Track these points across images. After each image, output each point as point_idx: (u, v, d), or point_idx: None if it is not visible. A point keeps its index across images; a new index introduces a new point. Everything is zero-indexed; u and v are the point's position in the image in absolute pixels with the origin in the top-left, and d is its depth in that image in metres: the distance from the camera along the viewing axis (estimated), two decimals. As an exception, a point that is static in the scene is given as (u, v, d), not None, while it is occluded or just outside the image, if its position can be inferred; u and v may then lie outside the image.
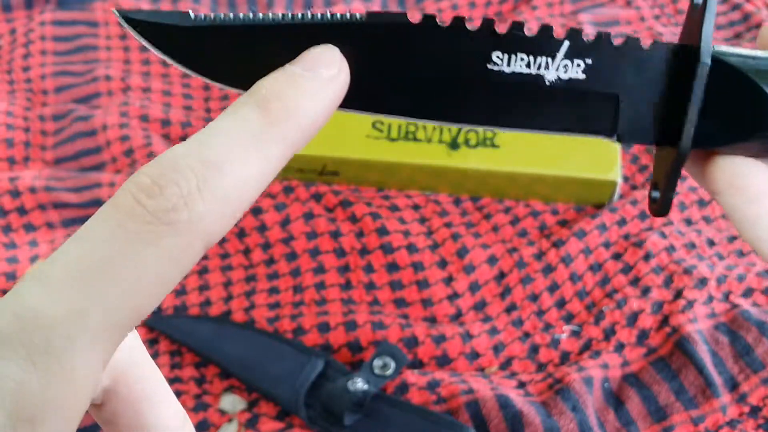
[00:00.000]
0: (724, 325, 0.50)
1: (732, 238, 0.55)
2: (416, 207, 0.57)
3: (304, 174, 0.57)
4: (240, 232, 0.55)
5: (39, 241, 0.55)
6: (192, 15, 0.23)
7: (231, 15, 0.23)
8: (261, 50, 0.22)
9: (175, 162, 0.18)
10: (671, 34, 0.70)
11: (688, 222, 0.56)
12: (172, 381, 0.48)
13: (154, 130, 0.61)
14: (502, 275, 0.53)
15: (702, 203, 0.56)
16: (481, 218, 0.56)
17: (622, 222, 0.55)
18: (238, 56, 0.23)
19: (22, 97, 0.64)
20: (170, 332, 0.50)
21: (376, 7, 0.72)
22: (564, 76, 0.23)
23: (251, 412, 0.47)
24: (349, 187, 0.58)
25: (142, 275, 0.17)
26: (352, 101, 0.22)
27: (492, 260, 0.54)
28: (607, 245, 0.54)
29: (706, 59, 0.22)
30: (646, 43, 0.23)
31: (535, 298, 0.52)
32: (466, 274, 0.53)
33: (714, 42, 0.23)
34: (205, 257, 0.55)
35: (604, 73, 0.23)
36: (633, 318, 0.50)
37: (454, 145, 0.55)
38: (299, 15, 0.22)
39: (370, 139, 0.56)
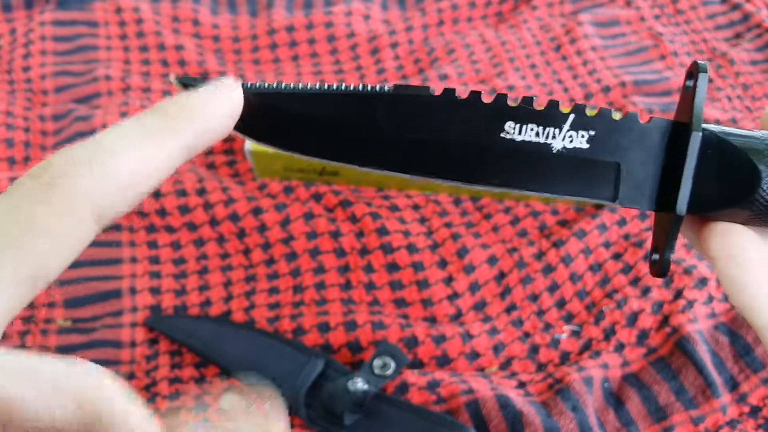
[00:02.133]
0: (724, 325, 0.50)
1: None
2: (416, 207, 0.57)
3: (304, 174, 0.57)
4: (240, 232, 0.55)
5: (39, 241, 0.55)
6: (242, 83, 0.25)
7: (274, 84, 0.26)
8: (298, 114, 0.25)
9: (73, 147, 0.21)
10: (671, 34, 0.70)
11: (688, 222, 0.56)
12: (172, 381, 0.49)
13: (154, 130, 0.61)
14: (502, 275, 0.53)
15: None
16: (481, 218, 0.56)
17: (622, 222, 0.55)
18: (278, 119, 0.26)
19: (22, 97, 0.64)
20: (170, 332, 0.50)
21: (376, 8, 0.72)
22: (569, 146, 0.25)
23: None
24: (349, 187, 0.58)
25: (39, 232, 0.20)
26: (379, 162, 0.25)
27: (492, 260, 0.54)
28: (607, 245, 0.54)
29: (698, 131, 0.24)
30: (644, 118, 0.25)
31: (535, 298, 0.52)
32: (466, 274, 0.53)
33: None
34: (205, 257, 0.55)
35: (606, 143, 0.25)
36: (633, 318, 0.50)
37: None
38: (335, 86, 0.25)
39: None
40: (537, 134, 0.25)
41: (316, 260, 0.54)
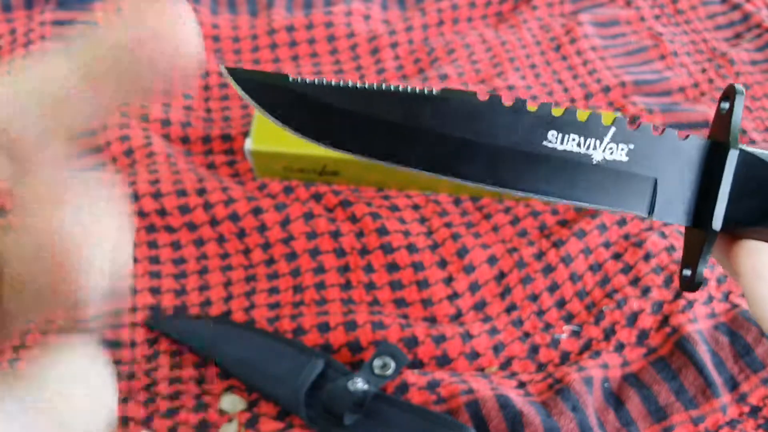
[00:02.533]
0: (724, 325, 0.50)
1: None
2: (416, 207, 0.57)
3: (304, 174, 0.57)
4: (240, 232, 0.55)
5: (39, 241, 0.55)
6: (290, 78, 0.26)
7: (324, 80, 0.26)
8: (346, 111, 0.26)
9: None
10: (671, 34, 0.70)
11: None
12: (172, 381, 0.49)
13: (154, 130, 0.61)
14: (502, 275, 0.53)
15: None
16: (481, 218, 0.56)
17: (622, 222, 0.55)
18: (327, 115, 0.26)
19: (22, 97, 0.64)
20: (170, 332, 0.50)
21: (376, 8, 0.72)
22: (609, 158, 0.26)
23: (251, 412, 0.47)
24: (349, 187, 0.58)
25: None
26: (424, 163, 0.26)
27: (492, 260, 0.54)
28: (607, 245, 0.54)
29: (735, 149, 0.25)
30: (681, 135, 0.26)
31: (535, 298, 0.52)
32: (466, 274, 0.53)
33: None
34: (205, 257, 0.55)
35: (644, 158, 0.26)
36: (633, 318, 0.50)
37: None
38: (384, 86, 0.26)
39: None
40: (578, 144, 0.26)
41: (316, 260, 0.54)
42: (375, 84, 0.26)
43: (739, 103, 0.26)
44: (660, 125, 0.26)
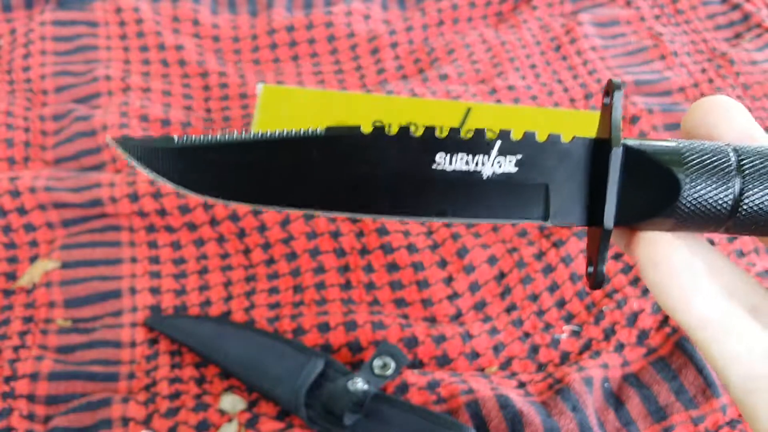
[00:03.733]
0: (724, 325, 0.50)
1: (732, 238, 0.55)
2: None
3: (304, 174, 0.57)
4: (240, 232, 0.55)
5: (39, 241, 0.55)
6: (176, 138, 0.26)
7: (208, 136, 0.26)
8: (237, 164, 0.26)
9: None
10: (671, 34, 0.70)
11: (688, 222, 0.56)
12: (172, 381, 0.49)
13: (154, 130, 0.61)
14: (502, 275, 0.53)
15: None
16: (481, 218, 0.56)
17: (622, 222, 0.55)
18: (216, 171, 0.26)
19: (22, 97, 0.64)
20: (170, 332, 0.50)
21: (376, 7, 0.72)
22: (499, 171, 0.26)
23: (251, 412, 0.47)
24: (349, 187, 0.58)
25: None
26: (314, 203, 0.26)
27: (492, 260, 0.54)
28: (607, 245, 0.54)
29: (617, 146, 0.25)
30: (566, 138, 0.26)
31: (535, 298, 0.52)
32: (466, 274, 0.53)
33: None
34: (205, 257, 0.55)
35: (533, 166, 0.26)
36: (633, 318, 0.50)
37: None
38: (266, 133, 0.26)
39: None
40: (467, 162, 0.26)
41: (316, 260, 0.54)
42: (259, 132, 0.26)
43: (618, 99, 0.26)
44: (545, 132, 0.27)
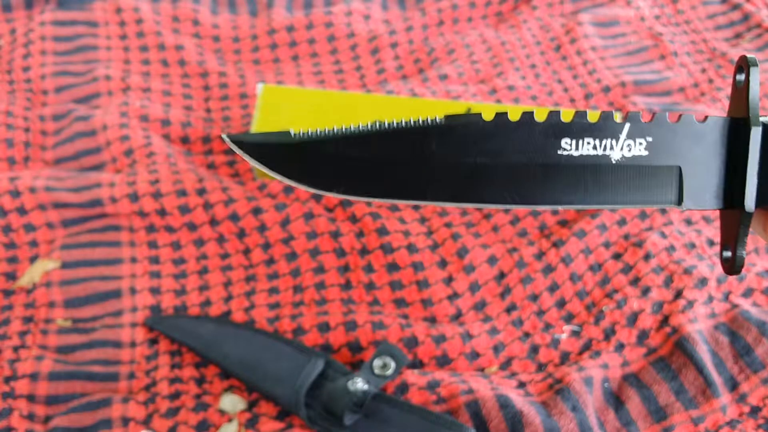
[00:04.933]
0: (724, 325, 0.50)
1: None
2: (416, 207, 0.57)
3: (304, 174, 0.57)
4: (240, 232, 0.55)
5: (39, 241, 0.55)
6: (292, 132, 0.26)
7: (326, 130, 0.26)
8: (355, 157, 0.26)
9: None
10: (671, 34, 0.70)
11: (688, 222, 0.56)
12: (172, 381, 0.48)
13: (154, 130, 0.61)
14: (502, 275, 0.53)
15: (702, 203, 0.56)
16: (481, 218, 0.56)
17: (622, 222, 0.55)
18: (334, 165, 0.26)
19: (22, 97, 0.64)
20: (170, 332, 0.50)
21: (376, 8, 0.72)
22: (628, 155, 0.26)
23: (251, 412, 0.47)
24: (349, 187, 0.58)
25: None
26: (435, 194, 0.26)
27: (492, 260, 0.54)
28: (607, 245, 0.54)
29: (757, 125, 0.25)
30: (700, 117, 0.26)
31: (535, 298, 0.52)
32: (466, 274, 0.53)
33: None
34: (205, 257, 0.55)
35: (664, 148, 0.26)
36: (633, 318, 0.50)
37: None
38: (386, 124, 0.25)
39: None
40: (594, 147, 0.26)
41: (316, 260, 0.54)
42: (377, 124, 0.25)
43: (755, 75, 0.25)
44: (676, 112, 0.26)
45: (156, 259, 0.55)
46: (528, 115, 0.25)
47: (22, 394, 0.47)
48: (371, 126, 0.25)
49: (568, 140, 0.26)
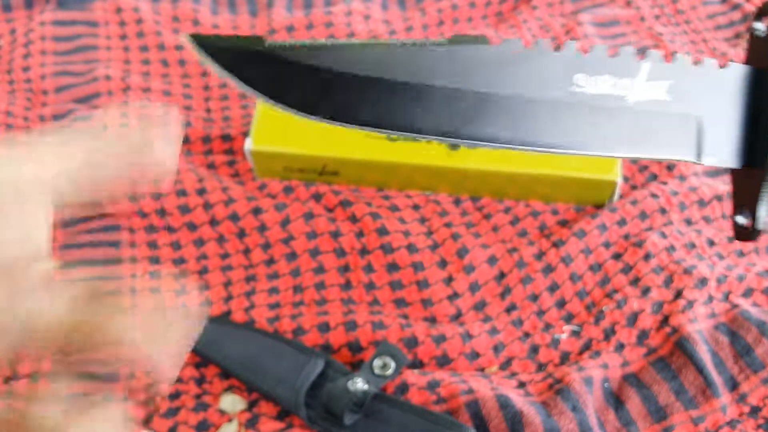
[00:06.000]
0: (724, 325, 0.50)
1: (731, 238, 0.55)
2: (416, 207, 0.57)
3: (304, 174, 0.57)
4: (240, 232, 0.55)
5: (39, 241, 0.55)
6: (266, 41, 0.22)
7: (309, 40, 0.22)
8: (344, 75, 0.22)
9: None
10: (671, 34, 0.70)
11: (688, 222, 0.56)
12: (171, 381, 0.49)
13: (154, 130, 0.61)
14: (502, 275, 0.53)
15: (702, 203, 0.56)
16: (481, 218, 0.56)
17: (622, 222, 0.55)
18: (318, 83, 0.22)
19: (22, 97, 0.64)
20: (170, 332, 0.50)
21: (376, 6, 0.72)
22: (646, 98, 0.23)
23: (251, 412, 0.47)
24: (349, 187, 0.58)
25: None
26: (435, 126, 0.22)
27: (492, 260, 0.54)
28: (607, 245, 0.54)
29: None
30: (721, 62, 0.23)
31: (535, 298, 0.52)
32: (466, 274, 0.53)
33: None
34: (205, 257, 0.55)
35: (685, 94, 0.23)
36: (633, 318, 0.50)
37: (454, 145, 0.55)
38: (381, 40, 0.22)
39: (370, 139, 0.56)
40: (611, 86, 0.23)
41: (316, 260, 0.54)
42: (372, 40, 0.22)
43: None
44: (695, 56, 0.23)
45: (156, 259, 0.55)
46: (541, 45, 0.22)
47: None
48: (365, 41, 0.22)
49: (582, 76, 0.23)
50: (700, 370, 0.47)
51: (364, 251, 0.54)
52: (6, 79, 0.65)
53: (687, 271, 0.52)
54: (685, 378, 0.47)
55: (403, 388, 0.47)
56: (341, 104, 0.21)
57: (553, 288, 0.52)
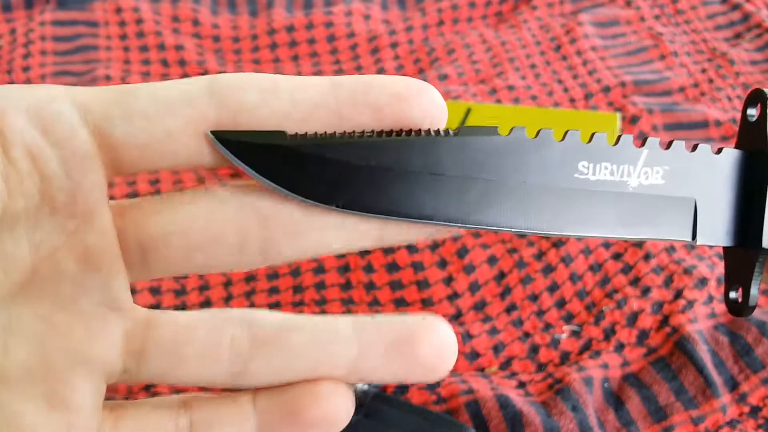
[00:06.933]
0: (724, 325, 0.50)
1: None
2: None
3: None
4: (240, 232, 0.55)
5: (39, 241, 0.55)
6: (287, 135, 0.22)
7: (327, 134, 0.22)
8: (358, 168, 0.23)
9: None
10: (671, 34, 0.70)
11: (688, 222, 0.56)
12: (172, 381, 0.49)
13: (154, 130, 0.61)
14: (502, 275, 0.53)
15: (702, 203, 0.56)
16: (481, 218, 0.56)
17: (622, 222, 0.55)
18: (335, 175, 0.23)
19: (22, 97, 0.64)
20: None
21: (376, 8, 0.72)
22: (645, 182, 0.24)
23: (251, 412, 0.47)
24: (349, 187, 0.58)
25: None
26: (443, 213, 0.23)
27: (492, 260, 0.54)
28: (607, 245, 0.54)
29: None
30: (714, 149, 0.25)
31: (535, 298, 0.52)
32: (466, 274, 0.53)
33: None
34: (205, 257, 0.55)
35: (681, 178, 0.25)
36: (633, 318, 0.50)
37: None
38: (394, 132, 0.23)
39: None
40: (612, 172, 0.24)
41: (316, 260, 0.54)
42: (384, 131, 0.23)
43: None
44: (691, 142, 0.25)
45: (156, 259, 0.54)
46: (546, 134, 0.24)
47: (22, 394, 0.47)
48: (377, 131, 0.23)
49: (585, 163, 0.24)
50: (700, 370, 0.47)
51: (364, 251, 0.54)
52: (6, 79, 0.65)
53: (687, 271, 0.52)
54: (685, 378, 0.48)
55: (403, 388, 0.47)
56: (356, 195, 0.23)
57: (553, 288, 0.52)
